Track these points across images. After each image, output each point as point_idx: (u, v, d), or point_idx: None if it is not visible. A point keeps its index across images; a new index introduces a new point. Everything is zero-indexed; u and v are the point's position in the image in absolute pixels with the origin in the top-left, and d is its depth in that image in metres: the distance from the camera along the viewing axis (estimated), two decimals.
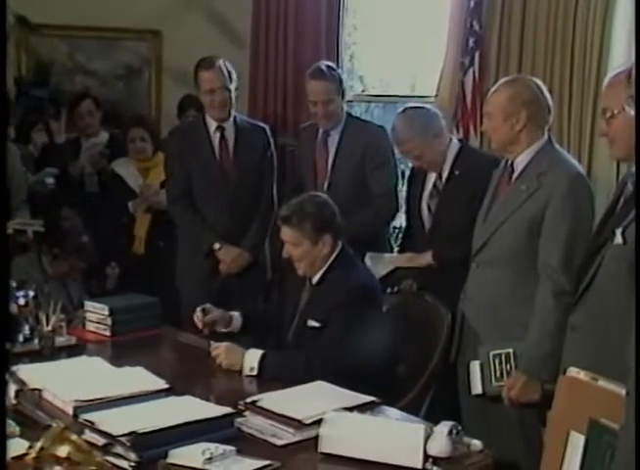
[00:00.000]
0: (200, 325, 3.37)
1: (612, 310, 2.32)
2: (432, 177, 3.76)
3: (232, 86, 4.19)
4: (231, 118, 4.26)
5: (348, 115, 4.30)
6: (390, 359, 3.19)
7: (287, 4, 5.55)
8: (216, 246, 4.20)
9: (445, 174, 3.70)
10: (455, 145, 3.73)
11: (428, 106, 3.97)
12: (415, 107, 3.89)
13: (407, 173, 5.09)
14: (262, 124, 4.45)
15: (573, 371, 2.24)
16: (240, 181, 4.24)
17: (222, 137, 4.26)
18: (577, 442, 2.13)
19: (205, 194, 4.26)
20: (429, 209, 3.76)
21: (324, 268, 3.22)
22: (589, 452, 2.10)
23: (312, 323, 3.18)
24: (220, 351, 3.08)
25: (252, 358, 2.99)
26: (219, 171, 4.24)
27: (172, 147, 4.42)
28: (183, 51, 5.73)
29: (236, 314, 3.44)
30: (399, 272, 3.75)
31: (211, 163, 4.25)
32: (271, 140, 4.39)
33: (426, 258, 3.68)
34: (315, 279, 3.25)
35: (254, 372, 2.97)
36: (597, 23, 4.01)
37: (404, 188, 4.71)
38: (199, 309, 3.38)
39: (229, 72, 4.18)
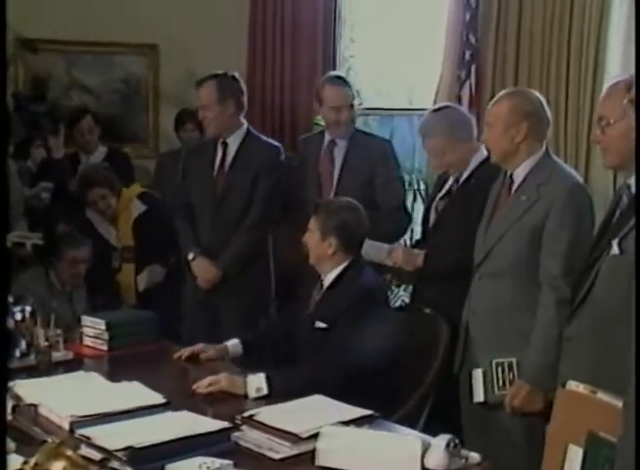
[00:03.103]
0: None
1: (609, 321, 2.32)
2: (449, 182, 3.75)
3: (217, 106, 4.19)
4: (233, 135, 4.26)
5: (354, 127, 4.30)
6: (394, 363, 3.18)
7: (283, 18, 5.56)
8: (190, 256, 4.22)
9: (462, 180, 3.68)
10: (482, 154, 3.66)
11: (465, 110, 3.97)
12: (451, 107, 3.91)
13: (416, 186, 5.13)
14: (275, 143, 4.41)
15: (573, 384, 2.23)
16: (225, 197, 4.24)
17: (224, 153, 4.28)
18: (576, 455, 2.13)
19: (198, 207, 4.31)
20: (436, 209, 3.76)
21: (335, 273, 3.27)
22: (587, 466, 2.09)
23: (320, 325, 3.21)
24: (221, 380, 2.96)
25: (257, 380, 2.93)
26: (213, 186, 4.26)
27: (183, 161, 4.48)
28: (180, 65, 5.76)
29: (232, 343, 3.42)
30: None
31: (208, 177, 4.28)
32: (280, 161, 4.35)
33: (419, 258, 3.67)
34: (327, 283, 3.30)
35: (264, 392, 2.90)
36: (592, 33, 4.02)
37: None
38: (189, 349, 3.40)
39: (220, 91, 4.19)
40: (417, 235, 4.53)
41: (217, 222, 4.24)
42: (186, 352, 3.39)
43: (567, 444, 2.16)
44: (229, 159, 4.27)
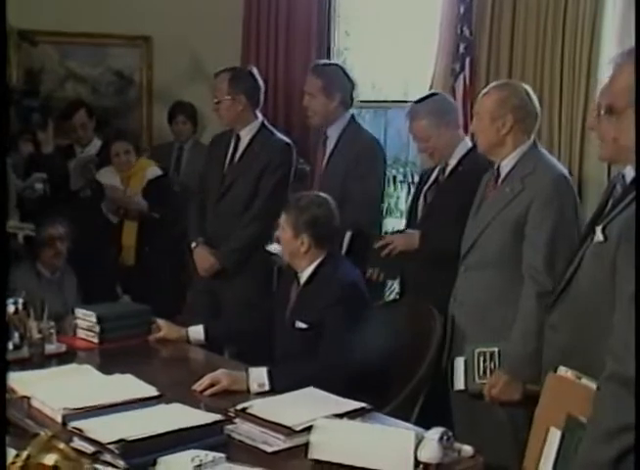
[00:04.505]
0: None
1: (591, 308, 2.31)
2: (435, 173, 3.78)
3: (228, 99, 4.26)
4: (246, 129, 4.32)
5: (352, 119, 4.31)
6: (388, 356, 3.19)
7: (278, 10, 5.55)
8: (193, 244, 4.32)
9: (449, 170, 3.70)
10: (467, 144, 3.74)
11: (449, 97, 4.03)
12: (440, 94, 3.98)
13: (399, 178, 5.13)
14: (286, 140, 4.41)
15: (562, 370, 2.25)
16: (230, 189, 4.30)
17: (236, 145, 4.32)
18: (554, 437, 2.15)
19: (208, 196, 4.38)
20: (425, 200, 3.76)
21: (310, 269, 3.26)
22: (563, 447, 2.11)
23: (300, 325, 3.21)
24: (221, 379, 2.90)
25: (259, 375, 2.91)
26: (221, 176, 4.33)
27: (207, 149, 4.62)
28: (174, 57, 5.75)
29: (193, 329, 3.48)
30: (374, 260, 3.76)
31: (220, 167, 4.36)
32: (289, 156, 4.36)
33: (412, 238, 3.66)
34: (302, 280, 3.29)
35: (266, 388, 2.88)
36: (586, 27, 4.01)
37: (398, 193, 4.72)
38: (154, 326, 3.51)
39: (231, 85, 4.24)
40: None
41: (220, 212, 4.31)
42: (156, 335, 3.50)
43: (548, 426, 2.17)
44: (239, 151, 4.33)
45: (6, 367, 2.20)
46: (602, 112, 2.24)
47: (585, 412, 1.97)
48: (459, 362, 3.19)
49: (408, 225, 3.95)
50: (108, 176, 5.06)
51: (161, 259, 4.97)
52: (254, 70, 4.42)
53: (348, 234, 3.81)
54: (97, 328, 3.45)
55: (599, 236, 2.33)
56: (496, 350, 3.09)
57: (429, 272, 3.60)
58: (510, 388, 3.00)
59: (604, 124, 2.28)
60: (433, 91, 4.17)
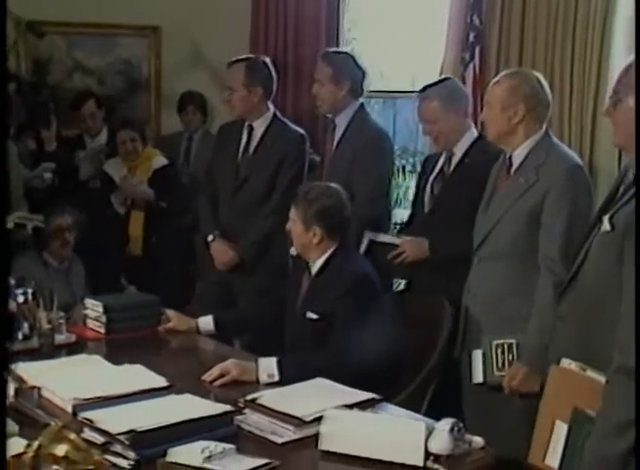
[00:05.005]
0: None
1: (598, 299, 2.30)
2: (440, 162, 3.73)
3: (244, 90, 4.20)
4: (259, 120, 4.26)
5: (361, 107, 4.20)
6: (398, 347, 3.18)
7: (286, 0, 5.53)
8: (209, 237, 4.25)
9: (455, 160, 3.66)
10: (473, 134, 3.69)
11: (462, 85, 4.01)
12: (454, 79, 3.94)
13: (408, 168, 5.09)
14: (300, 131, 4.35)
15: (566, 362, 2.24)
16: (246, 181, 4.24)
17: (249, 136, 4.28)
18: (561, 430, 2.15)
19: (220, 188, 4.32)
20: (432, 192, 3.73)
21: (322, 260, 3.25)
22: (570, 441, 2.11)
23: (311, 315, 3.20)
24: (231, 369, 2.89)
25: (268, 366, 2.90)
26: (235, 168, 4.27)
27: (216, 139, 4.55)
28: (182, 47, 5.74)
29: (203, 320, 3.49)
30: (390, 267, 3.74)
31: (233, 159, 4.29)
32: (304, 148, 4.31)
33: (422, 247, 3.64)
34: (314, 270, 3.28)
35: (275, 378, 2.87)
36: (598, 16, 3.99)
37: (407, 183, 4.69)
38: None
39: (248, 76, 4.19)
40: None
41: (236, 206, 4.24)
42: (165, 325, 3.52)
43: (554, 420, 2.16)
44: (254, 143, 4.28)
45: (6, 362, 2.20)
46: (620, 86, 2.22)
47: (591, 405, 1.97)
48: (477, 355, 3.16)
49: (413, 216, 3.92)
50: (114, 167, 5.07)
51: (169, 250, 4.98)
52: (268, 61, 4.37)
53: (366, 240, 3.76)
54: (104, 318, 3.45)
55: (606, 225, 2.31)
56: (514, 341, 3.07)
57: (436, 274, 3.58)
58: (529, 379, 2.97)
59: (619, 107, 2.26)
60: (450, 76, 4.13)
